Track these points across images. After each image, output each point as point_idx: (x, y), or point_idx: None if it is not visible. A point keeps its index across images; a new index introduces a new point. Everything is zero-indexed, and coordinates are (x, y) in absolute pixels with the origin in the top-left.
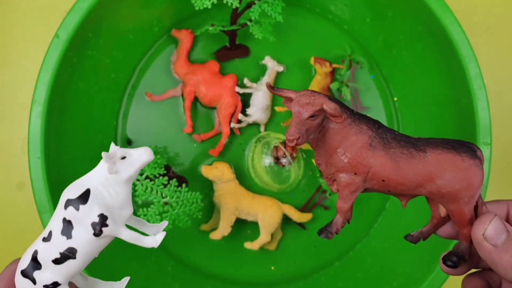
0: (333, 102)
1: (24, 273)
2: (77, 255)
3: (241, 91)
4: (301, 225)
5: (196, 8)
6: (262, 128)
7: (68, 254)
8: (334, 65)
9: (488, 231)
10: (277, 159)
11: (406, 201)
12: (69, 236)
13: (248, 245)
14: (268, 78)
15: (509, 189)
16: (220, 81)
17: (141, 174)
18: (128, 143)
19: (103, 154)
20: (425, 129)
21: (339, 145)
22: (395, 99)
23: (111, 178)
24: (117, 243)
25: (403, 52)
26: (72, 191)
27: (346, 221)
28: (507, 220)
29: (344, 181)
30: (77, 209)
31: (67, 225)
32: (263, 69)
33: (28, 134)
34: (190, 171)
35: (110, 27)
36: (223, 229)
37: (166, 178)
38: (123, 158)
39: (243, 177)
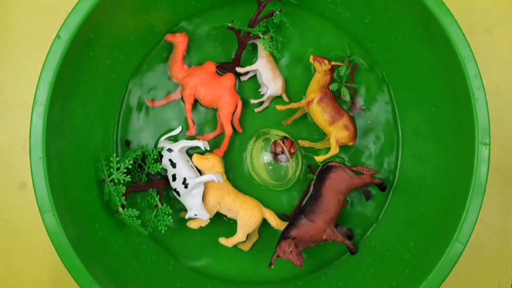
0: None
1: None
2: None
3: (243, 70)
4: None
5: None
6: (285, 99)
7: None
8: (333, 63)
9: None
10: (275, 155)
11: None
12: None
13: (222, 240)
14: (262, 52)
15: (506, 189)
16: (218, 81)
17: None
18: (126, 144)
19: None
20: (424, 130)
21: None
22: (394, 100)
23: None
24: (118, 243)
25: (402, 53)
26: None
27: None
28: None
29: None
30: None
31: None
32: None
33: (29, 134)
34: None
35: (111, 28)
36: (202, 219)
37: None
38: None
39: (240, 172)
